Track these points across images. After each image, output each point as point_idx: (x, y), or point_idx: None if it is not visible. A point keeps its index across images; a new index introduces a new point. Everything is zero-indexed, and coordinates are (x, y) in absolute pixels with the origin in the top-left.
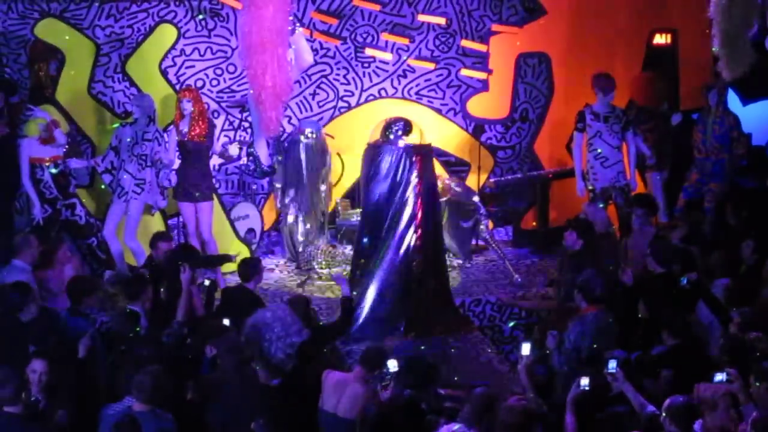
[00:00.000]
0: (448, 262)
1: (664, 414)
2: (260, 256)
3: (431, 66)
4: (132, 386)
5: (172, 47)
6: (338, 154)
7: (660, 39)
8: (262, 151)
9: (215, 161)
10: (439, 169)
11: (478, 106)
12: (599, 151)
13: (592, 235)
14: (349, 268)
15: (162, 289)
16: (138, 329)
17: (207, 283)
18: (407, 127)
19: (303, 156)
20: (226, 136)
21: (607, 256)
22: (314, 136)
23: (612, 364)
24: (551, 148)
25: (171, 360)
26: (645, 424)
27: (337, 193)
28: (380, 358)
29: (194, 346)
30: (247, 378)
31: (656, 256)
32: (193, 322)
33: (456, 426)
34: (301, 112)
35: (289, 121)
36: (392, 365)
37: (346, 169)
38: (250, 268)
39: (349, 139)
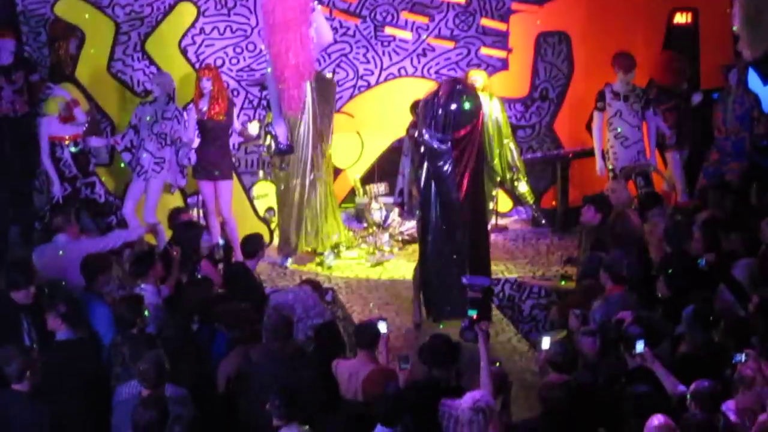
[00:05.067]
0: None
1: (689, 396)
2: None
3: (451, 45)
4: (136, 374)
5: (192, 26)
6: (358, 133)
7: (681, 18)
8: (281, 130)
9: (234, 140)
10: None
11: (498, 85)
12: (619, 130)
13: (609, 209)
14: (365, 246)
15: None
16: (143, 312)
17: (222, 242)
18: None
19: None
20: (245, 114)
21: (629, 237)
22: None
23: (639, 345)
24: (571, 128)
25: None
26: (675, 404)
27: (358, 172)
28: (375, 334)
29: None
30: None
31: (671, 242)
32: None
33: (479, 394)
34: None
35: None
36: None
37: (365, 148)
38: (251, 245)
39: (369, 118)
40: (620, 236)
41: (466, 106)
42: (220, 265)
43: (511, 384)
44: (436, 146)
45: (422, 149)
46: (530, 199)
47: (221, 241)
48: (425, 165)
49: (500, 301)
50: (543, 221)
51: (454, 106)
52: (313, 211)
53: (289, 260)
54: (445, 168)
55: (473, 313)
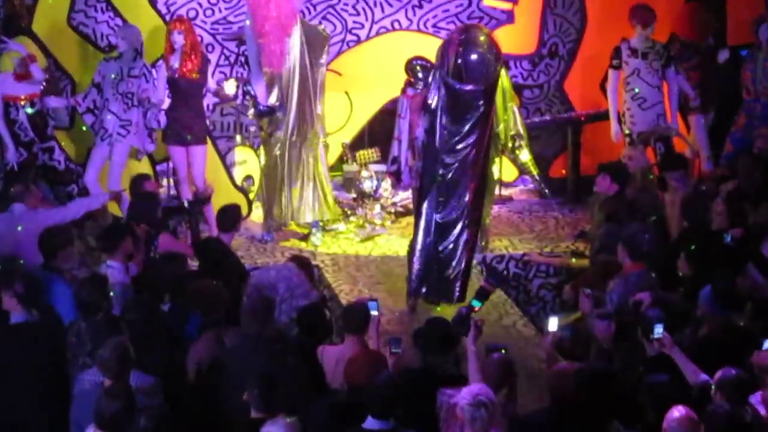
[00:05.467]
0: None
1: (714, 387)
2: (257, 204)
3: None
4: (96, 362)
5: None
6: (346, 93)
7: None
8: (260, 89)
9: (209, 100)
10: None
11: (503, 40)
12: (637, 90)
13: (627, 178)
14: (353, 219)
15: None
16: (108, 294)
17: (187, 204)
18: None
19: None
20: (221, 72)
21: (647, 210)
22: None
23: (658, 329)
24: (583, 88)
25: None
26: (696, 395)
27: (346, 137)
28: (365, 317)
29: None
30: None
31: (690, 215)
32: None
33: (478, 387)
34: None
35: None
36: None
37: (354, 110)
38: (228, 218)
39: (359, 77)
40: (641, 210)
41: (489, 57)
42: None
43: (517, 373)
44: (469, 89)
45: (434, 106)
46: (534, 169)
47: (186, 204)
48: (437, 127)
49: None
50: (547, 193)
51: (474, 56)
52: (300, 177)
53: (272, 236)
54: (462, 130)
55: (477, 305)
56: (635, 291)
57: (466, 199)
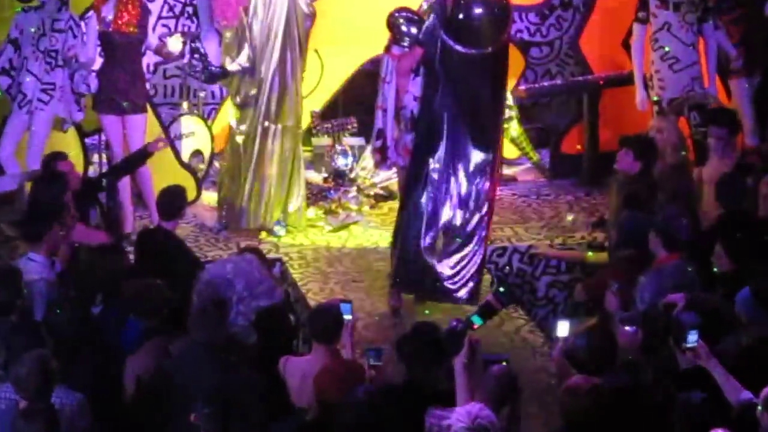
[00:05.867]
0: None
1: (760, 407)
2: (208, 186)
3: None
4: (9, 380)
5: None
6: (316, 51)
7: None
8: (212, 47)
9: (150, 59)
10: None
11: None
12: (667, 49)
13: (654, 155)
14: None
15: None
16: (22, 291)
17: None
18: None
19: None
20: (164, 26)
21: (680, 194)
22: None
23: (692, 337)
24: (602, 46)
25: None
26: (737, 415)
27: (315, 104)
28: (337, 322)
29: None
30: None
31: (725, 196)
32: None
33: (477, 407)
34: None
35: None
36: None
37: (326, 72)
38: (171, 202)
39: (331, 31)
40: (670, 192)
41: (497, 11)
42: None
43: (521, 389)
44: (472, 52)
45: (440, 66)
46: (527, 146)
47: (104, 183)
48: (439, 93)
49: (506, 278)
50: (548, 174)
51: (479, 11)
52: (268, 172)
53: (226, 230)
54: (467, 102)
55: (478, 323)
56: (671, 287)
57: (483, 187)
